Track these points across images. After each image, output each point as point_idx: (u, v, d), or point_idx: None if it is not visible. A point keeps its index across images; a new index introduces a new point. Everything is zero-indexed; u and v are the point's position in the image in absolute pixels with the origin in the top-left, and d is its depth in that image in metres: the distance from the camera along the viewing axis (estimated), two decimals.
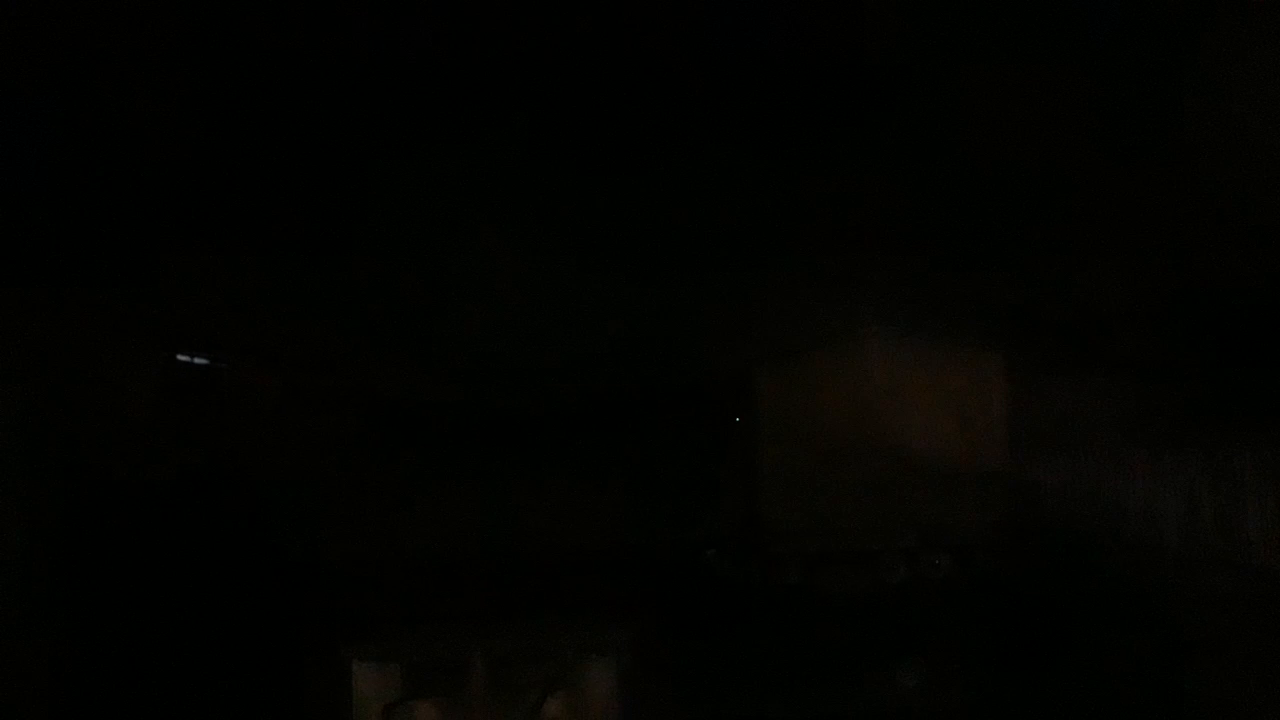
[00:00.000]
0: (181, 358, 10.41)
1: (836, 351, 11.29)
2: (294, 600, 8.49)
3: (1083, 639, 8.53)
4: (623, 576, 9.88)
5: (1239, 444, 10.44)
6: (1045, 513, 13.25)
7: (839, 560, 10.85)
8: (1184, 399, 11.77)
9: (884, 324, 11.34)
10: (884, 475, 10.85)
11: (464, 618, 5.30)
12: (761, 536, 11.04)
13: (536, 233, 11.68)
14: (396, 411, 12.43)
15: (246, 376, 11.24)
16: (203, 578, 8.94)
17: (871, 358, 11.14)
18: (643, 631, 5.11)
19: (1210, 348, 11.92)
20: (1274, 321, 11.64)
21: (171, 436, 9.84)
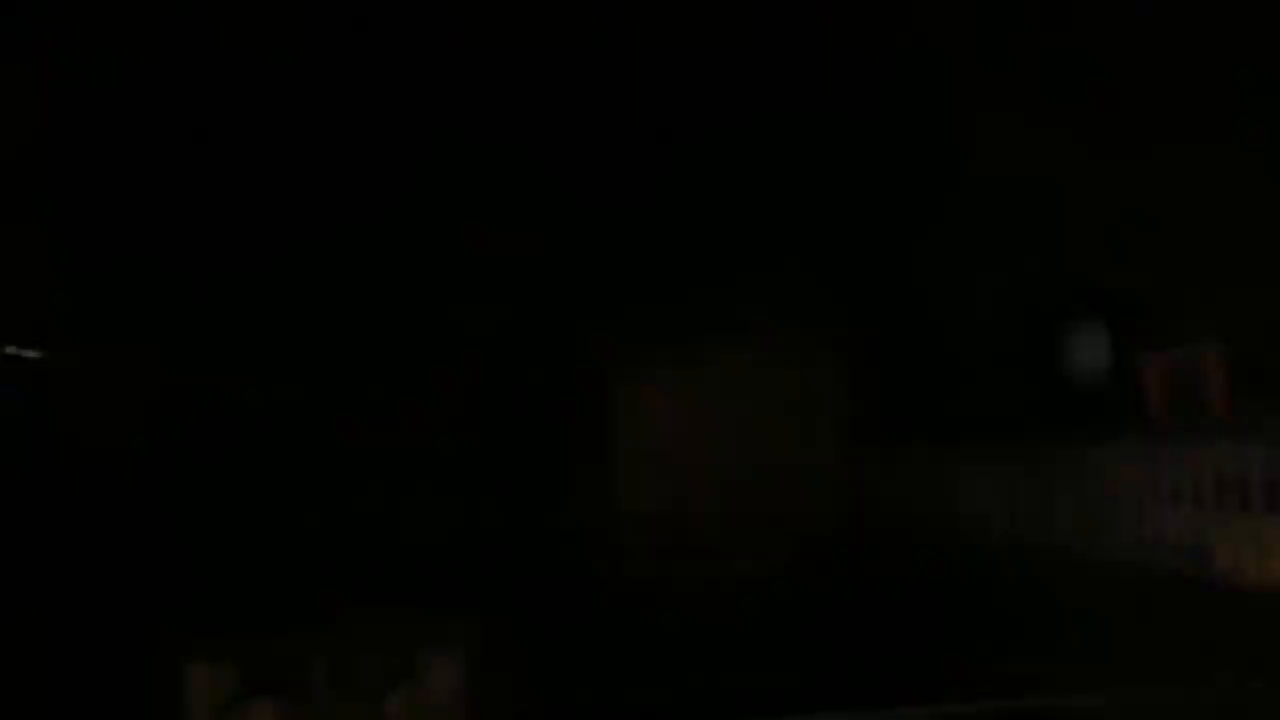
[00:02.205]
0: (12, 350, 10.08)
1: (690, 352, 11.57)
2: (129, 600, 8.31)
3: (919, 622, 8.87)
4: (470, 569, 9.89)
5: (1057, 440, 11.24)
6: (882, 504, 13.73)
7: (689, 551, 11.09)
8: (1011, 397, 12.34)
9: (735, 326, 11.67)
10: (732, 470, 11.16)
11: (307, 614, 5.27)
12: (615, 528, 11.20)
13: (394, 227, 11.59)
14: (238, 408, 12.21)
15: (83, 371, 10.93)
16: (37, 577, 8.68)
17: (723, 358, 11.48)
18: (489, 624, 5.14)
19: (1039, 345, 12.48)
20: (1096, 319, 12.24)
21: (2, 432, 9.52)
